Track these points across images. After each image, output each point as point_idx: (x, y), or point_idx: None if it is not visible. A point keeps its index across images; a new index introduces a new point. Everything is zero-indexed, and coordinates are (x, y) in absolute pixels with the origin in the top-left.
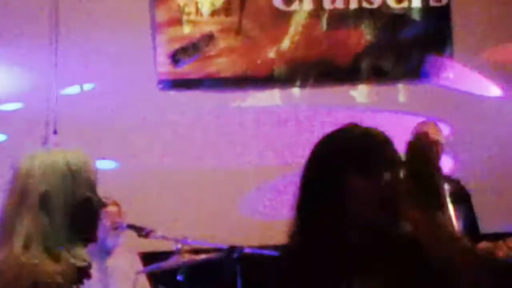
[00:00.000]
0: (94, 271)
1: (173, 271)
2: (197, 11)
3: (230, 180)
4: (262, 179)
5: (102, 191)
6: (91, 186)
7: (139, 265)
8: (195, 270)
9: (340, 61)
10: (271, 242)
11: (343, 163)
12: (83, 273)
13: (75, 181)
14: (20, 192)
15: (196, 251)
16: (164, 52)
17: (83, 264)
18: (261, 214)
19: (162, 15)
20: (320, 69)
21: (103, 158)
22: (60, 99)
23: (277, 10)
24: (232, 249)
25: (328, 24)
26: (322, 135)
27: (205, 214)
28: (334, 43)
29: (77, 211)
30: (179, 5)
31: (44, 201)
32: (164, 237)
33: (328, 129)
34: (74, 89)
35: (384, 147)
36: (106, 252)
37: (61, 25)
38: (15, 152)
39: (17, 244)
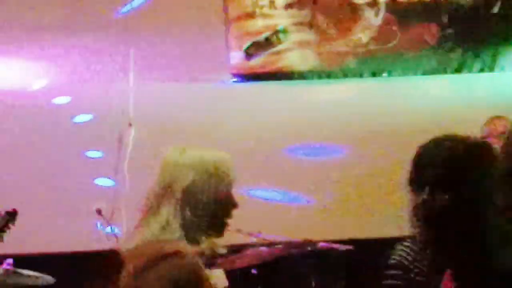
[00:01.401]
0: None
1: (248, 264)
2: (271, 4)
3: (303, 173)
4: (338, 173)
5: None
6: (230, 186)
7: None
8: (269, 263)
9: (413, 54)
10: (345, 236)
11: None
12: (214, 260)
13: (218, 179)
14: (166, 183)
15: (270, 245)
16: (237, 46)
17: (216, 252)
18: (335, 209)
19: (235, 9)
20: (394, 62)
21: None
22: (136, 92)
23: (350, 3)
24: (306, 243)
25: (402, 17)
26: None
27: (279, 208)
28: (408, 36)
29: (215, 207)
30: None
31: (188, 193)
32: (238, 231)
33: (404, 121)
34: (149, 83)
35: (456, 165)
36: None
37: (137, 19)
38: (93, 138)
39: (156, 225)
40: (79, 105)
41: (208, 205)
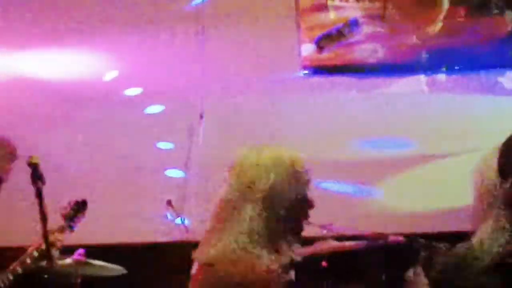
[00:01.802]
0: None
1: (317, 257)
2: None
3: (374, 166)
4: (406, 167)
5: None
6: (307, 186)
7: None
8: (339, 256)
9: (485, 47)
10: (416, 230)
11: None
12: (294, 266)
13: (297, 180)
14: (246, 184)
15: (340, 238)
16: (309, 38)
17: (297, 258)
18: (405, 202)
19: (306, 1)
20: (466, 55)
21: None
22: (207, 84)
23: None
24: (376, 236)
25: (472, 10)
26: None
27: (350, 201)
28: (479, 29)
29: (294, 209)
30: None
31: (270, 194)
32: (309, 223)
33: (476, 115)
34: (220, 75)
35: None
36: None
37: (208, 11)
38: (165, 130)
39: (239, 232)
40: (151, 96)
41: (289, 207)
